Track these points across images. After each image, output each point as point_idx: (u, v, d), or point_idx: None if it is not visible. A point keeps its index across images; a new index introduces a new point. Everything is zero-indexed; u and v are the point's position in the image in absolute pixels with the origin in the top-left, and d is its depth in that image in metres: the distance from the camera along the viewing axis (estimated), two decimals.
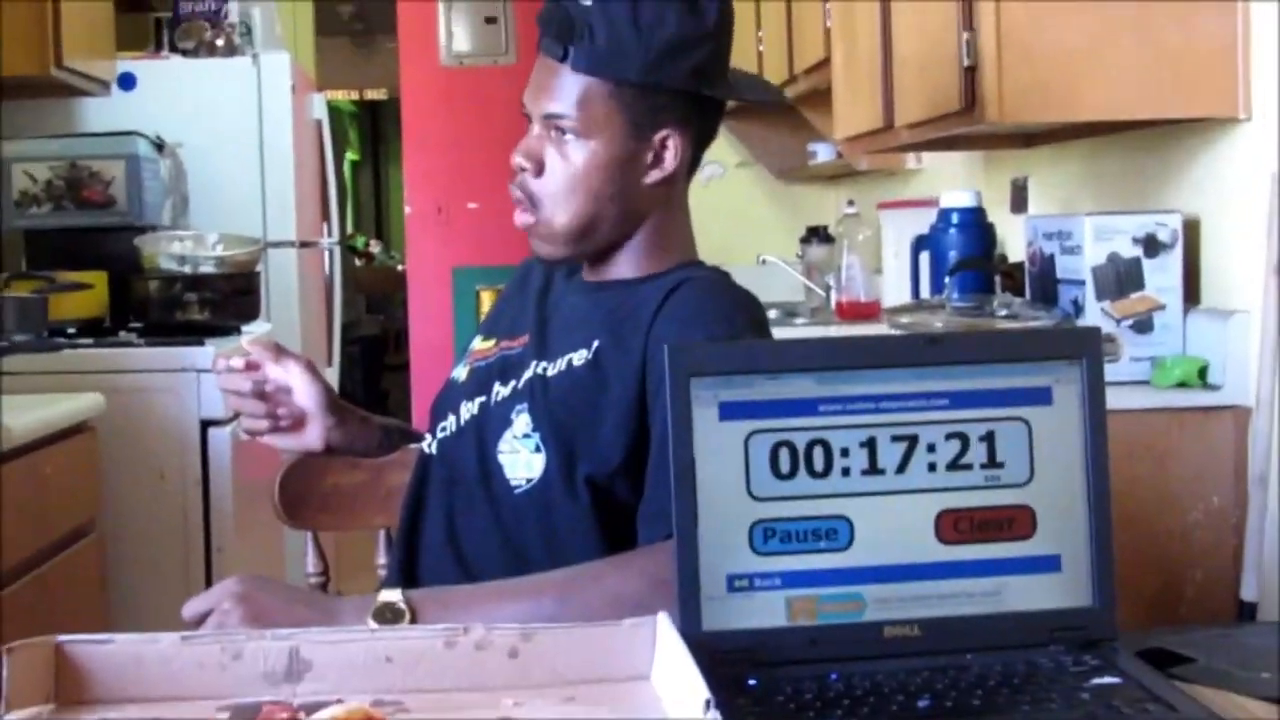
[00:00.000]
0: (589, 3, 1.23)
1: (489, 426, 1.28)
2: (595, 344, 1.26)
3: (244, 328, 3.02)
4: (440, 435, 1.33)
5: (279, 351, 1.41)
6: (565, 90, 1.24)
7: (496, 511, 1.25)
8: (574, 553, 1.18)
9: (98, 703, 0.92)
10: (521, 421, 1.25)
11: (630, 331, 1.26)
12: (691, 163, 1.36)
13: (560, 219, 1.27)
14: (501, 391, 1.29)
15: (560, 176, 1.26)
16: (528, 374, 1.28)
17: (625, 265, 1.33)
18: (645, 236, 1.33)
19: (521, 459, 1.26)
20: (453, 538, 1.28)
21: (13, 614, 1.88)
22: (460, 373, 1.37)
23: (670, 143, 1.28)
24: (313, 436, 1.41)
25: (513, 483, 1.24)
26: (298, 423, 1.40)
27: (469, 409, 1.31)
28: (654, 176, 1.29)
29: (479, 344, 1.37)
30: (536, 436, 1.25)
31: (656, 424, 1.18)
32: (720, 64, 1.30)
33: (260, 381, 1.38)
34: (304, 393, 1.40)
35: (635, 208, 1.30)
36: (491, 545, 1.25)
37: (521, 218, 1.29)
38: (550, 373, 1.27)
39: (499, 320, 1.41)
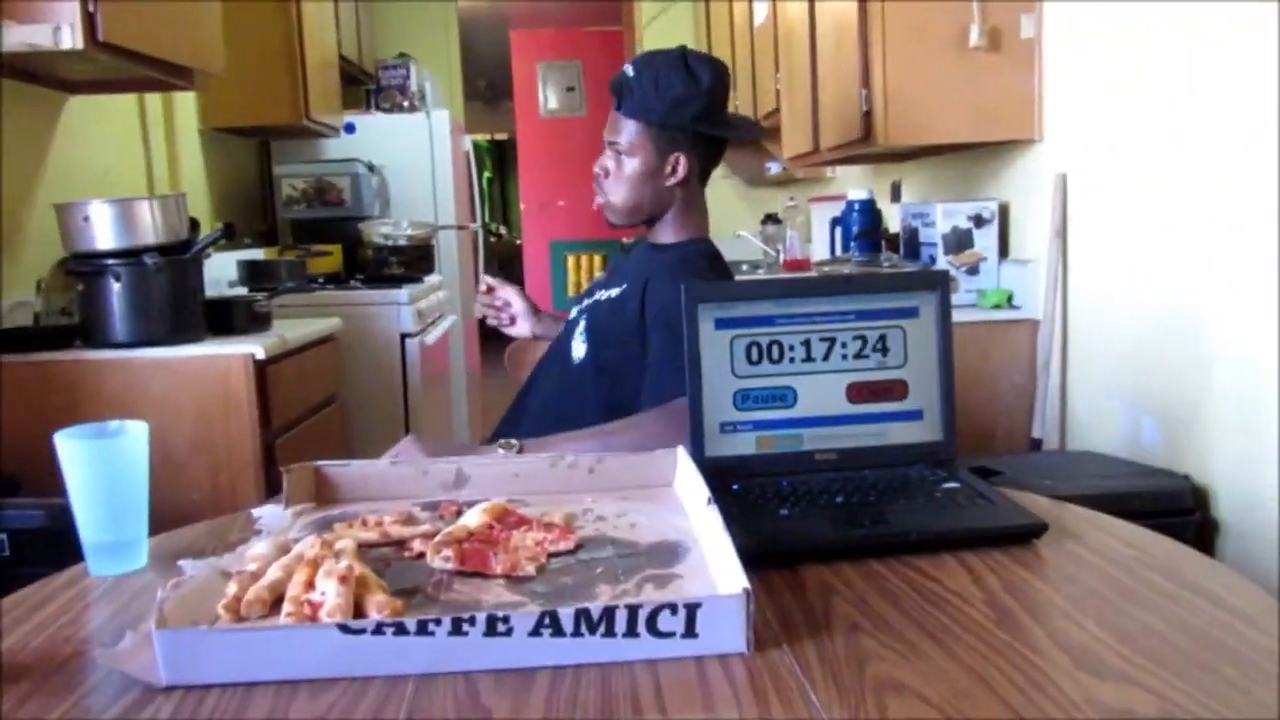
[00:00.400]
0: (632, 74, 1.59)
1: (572, 326, 1.64)
2: (624, 287, 1.58)
3: (425, 278, 3.77)
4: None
5: (504, 283, 1.86)
6: (619, 128, 1.61)
7: (563, 372, 1.60)
8: (590, 401, 1.53)
9: (342, 501, 1.14)
10: (583, 324, 1.61)
11: (641, 282, 1.56)
12: (702, 174, 1.67)
13: (617, 201, 1.64)
14: (585, 303, 1.66)
15: (616, 179, 1.63)
16: (596, 296, 1.63)
17: (660, 234, 1.67)
18: (671, 217, 1.66)
19: (578, 345, 1.60)
20: (535, 390, 1.64)
21: (289, 451, 2.24)
22: (597, 279, 1.78)
23: (680, 161, 1.61)
24: (524, 329, 1.85)
25: (574, 359, 1.59)
26: (515, 320, 1.85)
27: (575, 309, 1.69)
28: (670, 181, 1.62)
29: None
30: (586, 334, 1.59)
31: (652, 338, 1.49)
32: (715, 109, 1.59)
33: (494, 297, 1.85)
34: (518, 305, 1.84)
35: (661, 199, 1.64)
36: (553, 396, 1.59)
37: (599, 200, 1.66)
38: (602, 298, 1.61)
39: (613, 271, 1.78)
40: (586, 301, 1.67)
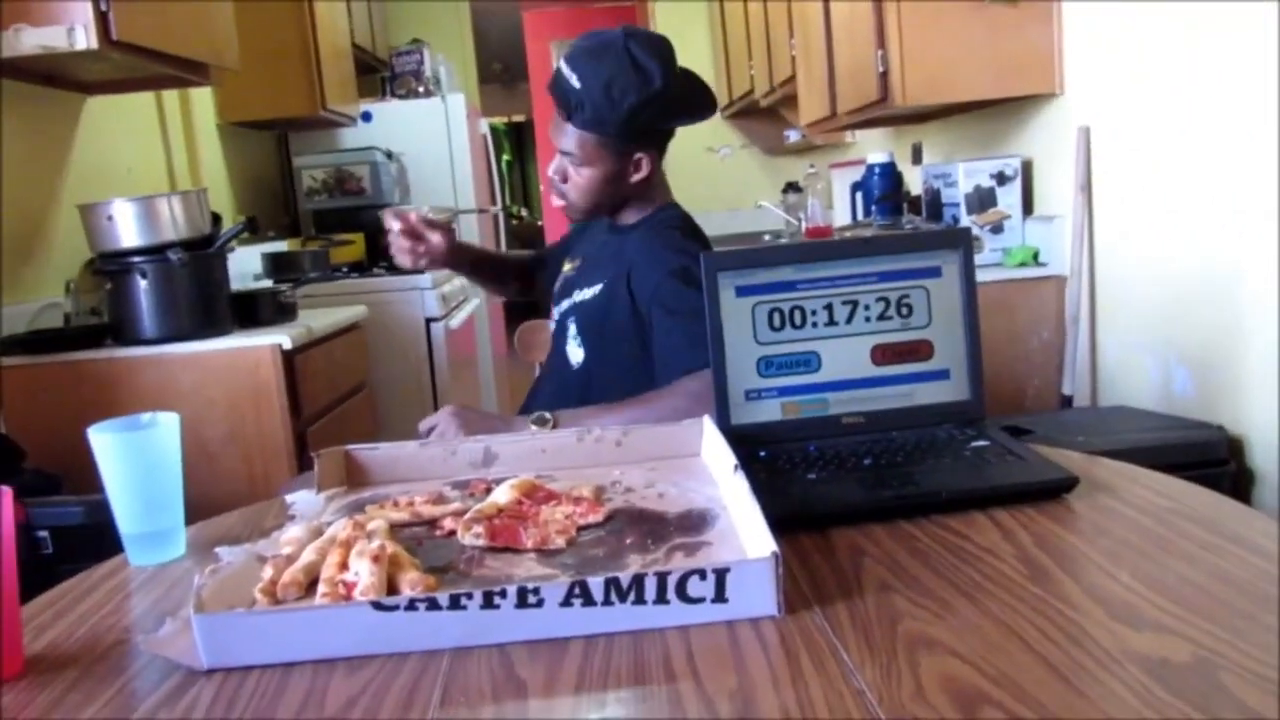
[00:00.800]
0: (578, 85, 1.47)
1: (562, 330, 1.58)
2: (604, 283, 1.54)
3: None
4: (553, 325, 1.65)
5: (426, 223, 1.70)
6: (570, 138, 1.51)
7: (563, 378, 1.56)
8: (597, 402, 1.47)
9: (373, 484, 1.16)
10: (573, 328, 1.55)
11: (623, 273, 1.51)
12: (662, 155, 1.59)
13: (580, 203, 1.58)
14: (565, 305, 1.58)
15: (574, 185, 1.56)
16: (574, 298, 1.58)
17: (628, 215, 1.61)
18: (637, 199, 1.60)
19: (574, 349, 1.55)
20: (540, 396, 1.60)
21: (320, 438, 2.24)
22: (565, 274, 1.68)
23: (643, 159, 1.55)
24: (439, 262, 1.71)
25: (573, 364, 1.54)
26: (432, 256, 1.69)
27: (557, 311, 1.62)
28: (636, 178, 1.56)
29: (567, 263, 1.69)
30: (580, 338, 1.54)
31: (653, 323, 1.45)
32: (669, 104, 1.51)
33: (406, 230, 1.67)
34: (434, 240, 1.69)
35: (626, 194, 1.58)
36: (560, 402, 1.48)
37: (557, 203, 1.60)
38: (585, 298, 1.56)
39: (574, 246, 1.73)
40: (566, 303, 1.61)
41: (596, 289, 1.55)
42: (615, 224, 1.62)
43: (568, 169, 1.55)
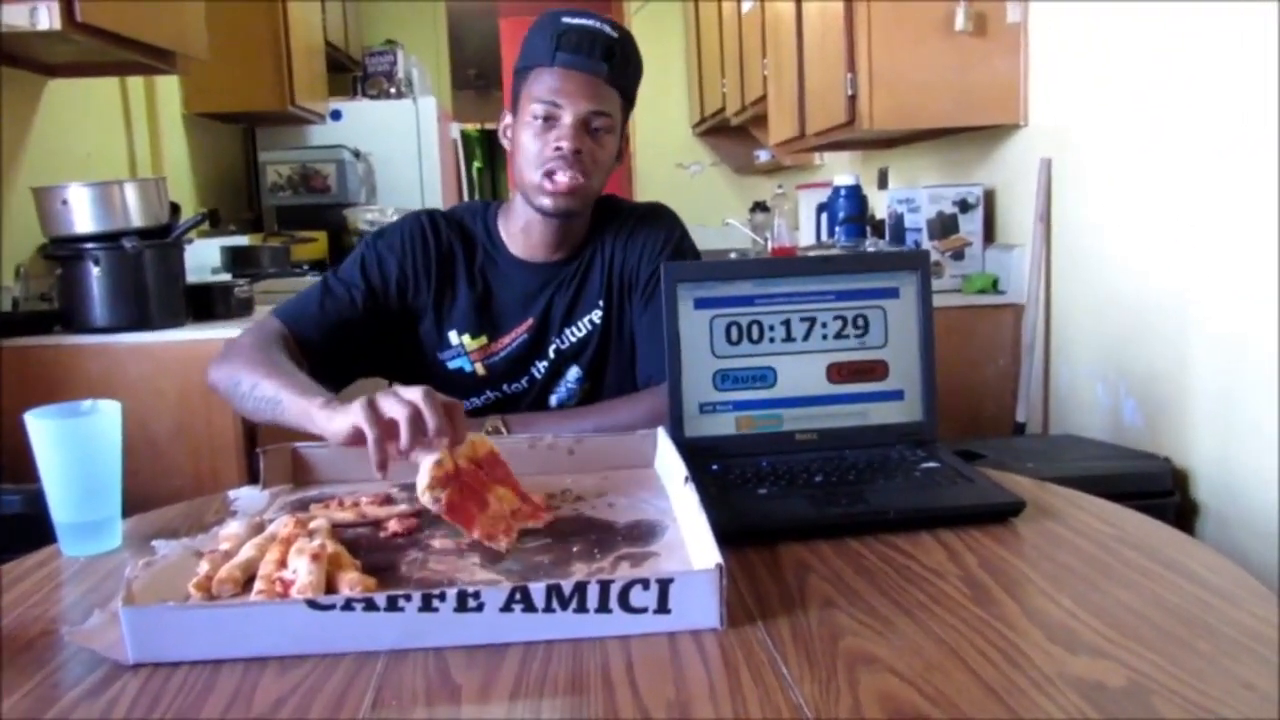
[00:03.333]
0: (617, 36, 1.32)
1: (546, 390, 1.40)
2: (599, 308, 1.40)
3: None
4: (499, 396, 1.40)
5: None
6: (603, 97, 1.31)
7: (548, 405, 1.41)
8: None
9: (320, 483, 1.14)
10: (573, 373, 1.40)
11: (623, 280, 1.39)
12: None
13: (597, 184, 1.35)
14: (540, 366, 1.39)
15: (601, 156, 1.33)
16: (559, 346, 1.39)
17: (571, 240, 1.39)
18: (587, 212, 1.40)
19: (565, 391, 1.41)
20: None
21: (271, 434, 2.05)
22: (474, 368, 1.38)
23: (627, 138, 1.41)
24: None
25: (552, 404, 1.41)
26: None
27: (516, 387, 1.40)
28: (618, 164, 1.39)
29: (469, 341, 1.38)
30: (584, 379, 1.40)
31: (641, 324, 1.38)
32: None
33: None
34: None
35: (602, 188, 1.39)
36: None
37: (576, 180, 1.30)
38: (577, 335, 1.39)
39: (468, 321, 1.38)
40: (543, 364, 1.39)
41: (594, 316, 1.39)
42: (553, 257, 1.39)
43: (594, 141, 1.31)
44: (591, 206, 1.39)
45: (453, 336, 1.38)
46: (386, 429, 0.94)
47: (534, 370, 1.40)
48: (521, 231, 1.39)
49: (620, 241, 1.41)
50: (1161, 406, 1.85)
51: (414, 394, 0.95)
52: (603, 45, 1.30)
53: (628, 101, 1.37)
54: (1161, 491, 1.73)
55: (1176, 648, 0.71)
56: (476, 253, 1.40)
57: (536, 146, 1.30)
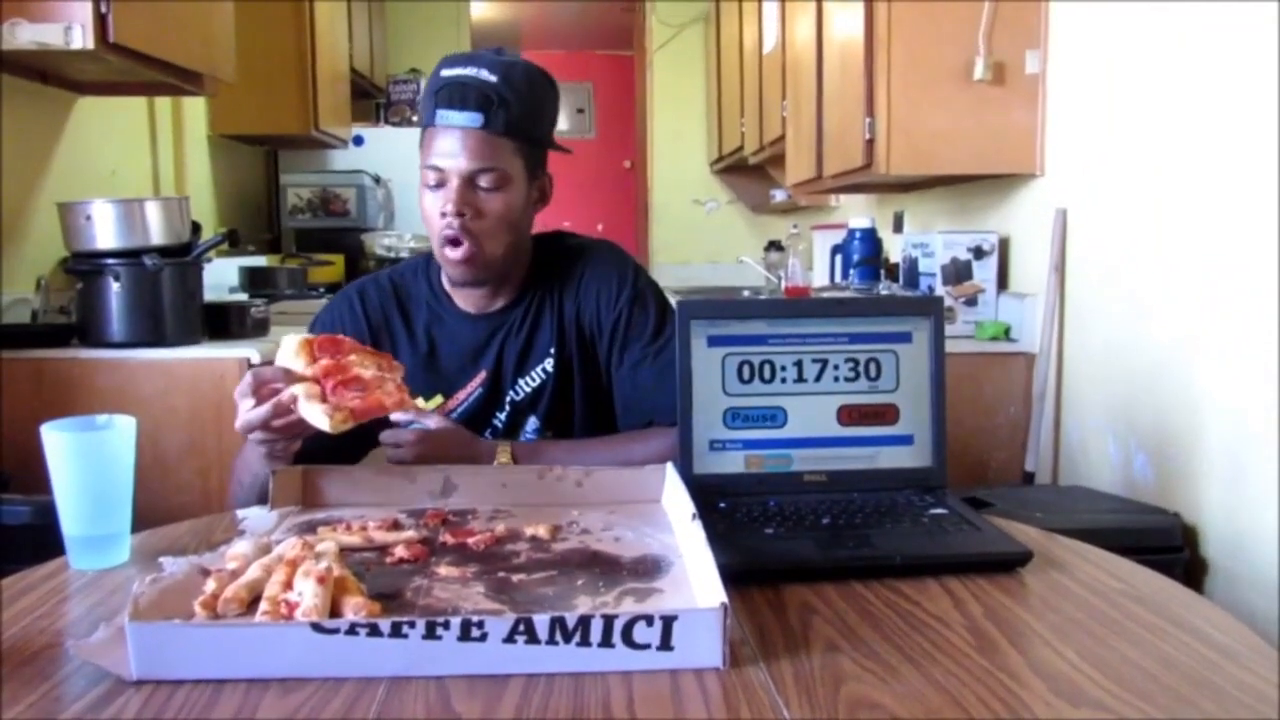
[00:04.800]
0: (495, 79, 1.26)
1: (514, 427, 1.40)
2: (550, 356, 1.38)
3: None
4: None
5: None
6: (484, 151, 1.26)
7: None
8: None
9: (328, 506, 1.14)
10: (530, 424, 1.40)
11: (577, 327, 1.38)
12: None
13: (494, 250, 1.30)
14: (499, 419, 1.39)
15: (492, 219, 1.28)
16: (513, 398, 1.38)
17: (511, 285, 1.38)
18: (518, 258, 1.37)
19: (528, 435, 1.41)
20: None
21: None
22: (469, 398, 1.38)
23: (548, 183, 1.38)
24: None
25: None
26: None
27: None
28: (538, 209, 1.38)
29: (423, 404, 1.37)
30: (541, 430, 1.40)
31: (622, 371, 1.36)
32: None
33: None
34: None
35: (527, 235, 1.38)
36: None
37: (462, 251, 1.28)
38: (531, 386, 1.38)
39: (416, 383, 1.33)
40: (509, 403, 1.38)
41: (546, 365, 1.37)
42: (493, 306, 1.35)
43: (477, 198, 1.27)
44: (521, 255, 1.36)
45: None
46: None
47: (494, 423, 1.39)
48: (456, 287, 1.38)
49: (571, 288, 1.38)
50: (1172, 462, 1.84)
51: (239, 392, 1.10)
52: (477, 96, 1.24)
53: (528, 142, 1.30)
54: (1171, 547, 1.71)
55: (1181, 706, 0.70)
56: (420, 312, 1.40)
57: (431, 212, 1.29)
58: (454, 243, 1.28)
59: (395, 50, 5.39)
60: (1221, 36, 1.72)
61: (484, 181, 1.27)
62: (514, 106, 1.26)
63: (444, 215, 1.27)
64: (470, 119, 1.24)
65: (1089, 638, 0.82)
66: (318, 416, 1.02)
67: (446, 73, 1.28)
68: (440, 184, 1.28)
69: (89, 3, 1.93)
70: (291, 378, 1.07)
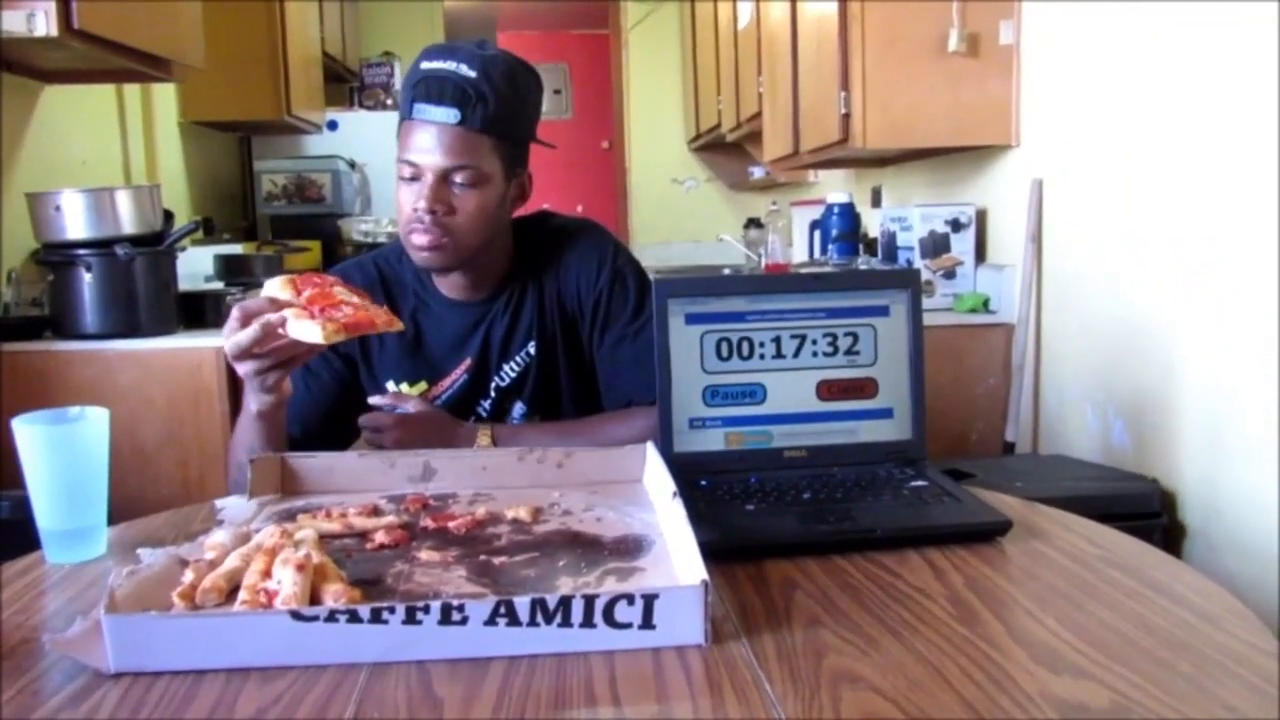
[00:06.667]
0: (474, 74, 1.23)
1: (502, 413, 1.39)
2: (533, 343, 1.38)
3: None
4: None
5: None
6: (460, 148, 1.24)
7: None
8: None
9: (308, 493, 1.13)
10: (517, 409, 1.40)
11: (558, 309, 1.36)
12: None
13: (465, 243, 1.28)
14: (485, 405, 1.39)
15: (465, 216, 1.26)
16: (498, 384, 1.38)
17: (495, 273, 1.37)
18: (497, 250, 1.36)
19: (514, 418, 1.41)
20: None
21: None
22: (452, 384, 1.38)
23: (526, 180, 1.35)
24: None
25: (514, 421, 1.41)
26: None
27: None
28: (517, 206, 1.36)
29: (408, 389, 1.38)
30: (528, 414, 1.40)
31: (603, 351, 1.36)
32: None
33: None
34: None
35: (504, 230, 1.36)
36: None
37: (428, 238, 1.26)
38: (515, 370, 1.38)
39: (402, 369, 1.38)
40: (494, 389, 1.38)
41: (529, 349, 1.37)
42: (479, 294, 1.35)
43: (451, 195, 1.25)
44: (498, 246, 1.34)
45: (390, 386, 1.37)
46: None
47: (479, 410, 1.39)
48: (441, 275, 1.37)
49: (552, 270, 1.37)
50: (1150, 428, 1.86)
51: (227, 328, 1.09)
52: (455, 91, 1.22)
53: (506, 139, 1.28)
54: (1149, 513, 1.73)
55: (1160, 669, 0.71)
56: (406, 298, 1.39)
57: (404, 205, 1.27)
58: (414, 235, 1.28)
59: (368, 33, 5.33)
60: (1194, 3, 1.72)
61: (459, 179, 1.25)
62: (492, 103, 1.24)
63: (415, 210, 1.26)
64: (447, 114, 1.23)
65: (1069, 604, 0.82)
66: (310, 330, 1.02)
67: (426, 65, 1.25)
68: (415, 178, 1.27)
69: None
70: (278, 305, 1.07)
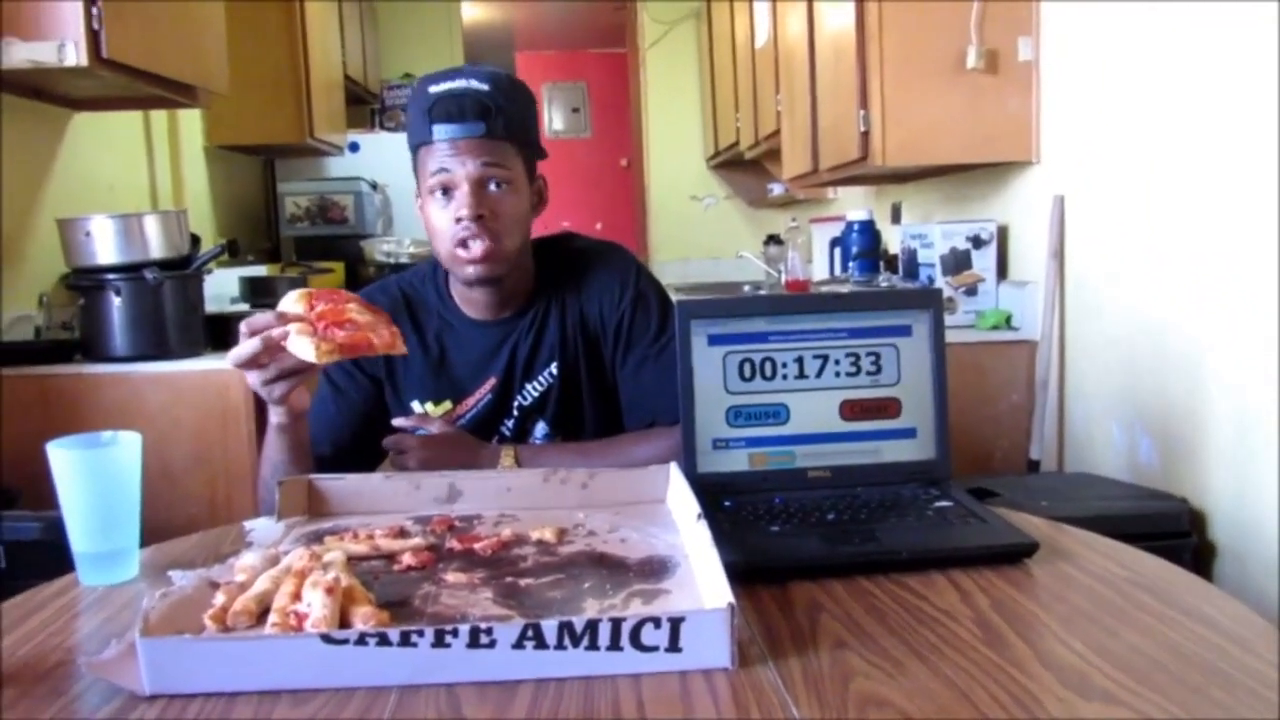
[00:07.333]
0: (487, 87, 1.28)
1: (523, 433, 1.41)
2: (555, 363, 1.39)
3: None
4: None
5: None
6: (493, 153, 1.28)
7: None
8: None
9: (335, 515, 1.14)
10: (540, 429, 1.41)
11: (581, 332, 1.38)
12: None
13: (511, 246, 1.31)
14: (508, 425, 1.40)
15: (506, 219, 1.29)
16: (521, 403, 1.39)
17: (519, 292, 1.38)
18: (523, 264, 1.37)
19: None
20: None
21: None
22: (475, 405, 1.39)
23: (544, 186, 1.39)
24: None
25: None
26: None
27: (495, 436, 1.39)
28: (538, 212, 1.38)
29: (433, 409, 1.39)
30: (550, 435, 1.41)
31: (626, 371, 1.37)
32: None
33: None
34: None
35: (529, 239, 1.38)
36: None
37: (488, 245, 1.28)
38: (538, 390, 1.39)
39: (426, 388, 1.39)
40: (509, 422, 1.39)
41: (552, 369, 1.38)
42: (500, 314, 1.36)
43: (491, 199, 1.28)
44: (526, 260, 1.36)
45: (415, 406, 1.39)
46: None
47: (502, 429, 1.40)
48: (465, 296, 1.39)
49: (575, 292, 1.39)
50: (1178, 445, 1.84)
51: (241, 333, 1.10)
52: (474, 105, 1.26)
53: (526, 146, 1.32)
54: (1179, 532, 1.71)
55: (1191, 695, 0.70)
56: (430, 319, 1.40)
57: (443, 221, 1.29)
58: (469, 242, 1.28)
59: (388, 55, 5.40)
60: (1214, 15, 1.71)
61: (494, 183, 1.28)
62: (509, 111, 1.28)
63: (459, 221, 1.27)
64: (473, 128, 1.26)
65: (1097, 628, 0.82)
66: (305, 348, 1.04)
67: (435, 89, 1.28)
68: (449, 191, 1.28)
69: (81, 20, 1.93)
70: (285, 319, 1.08)
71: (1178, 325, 1.83)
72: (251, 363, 1.10)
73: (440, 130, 1.26)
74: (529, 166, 1.34)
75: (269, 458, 1.23)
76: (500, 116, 1.27)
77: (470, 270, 1.30)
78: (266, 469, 1.22)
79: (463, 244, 1.28)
